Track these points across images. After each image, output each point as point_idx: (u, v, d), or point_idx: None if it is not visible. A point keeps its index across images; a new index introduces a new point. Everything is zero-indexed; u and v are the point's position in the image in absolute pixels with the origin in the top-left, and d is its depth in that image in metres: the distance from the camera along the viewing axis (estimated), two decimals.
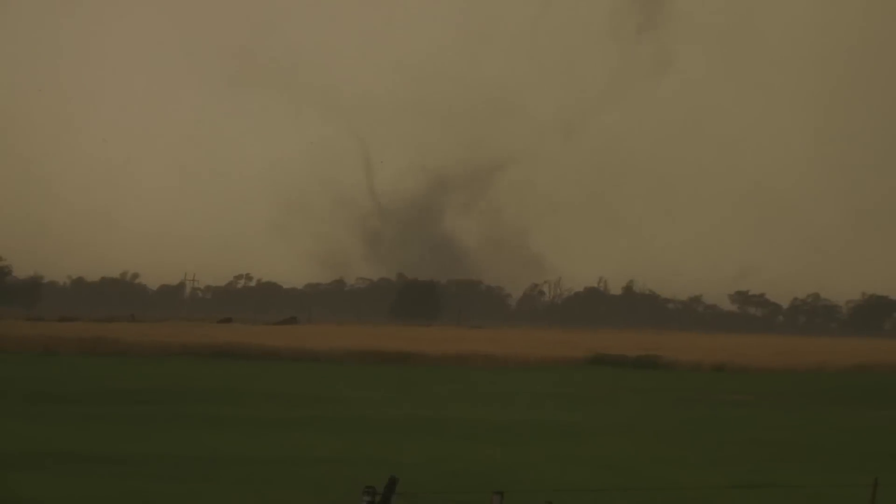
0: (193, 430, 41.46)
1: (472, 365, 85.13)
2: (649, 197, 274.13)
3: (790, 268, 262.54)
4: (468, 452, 36.92)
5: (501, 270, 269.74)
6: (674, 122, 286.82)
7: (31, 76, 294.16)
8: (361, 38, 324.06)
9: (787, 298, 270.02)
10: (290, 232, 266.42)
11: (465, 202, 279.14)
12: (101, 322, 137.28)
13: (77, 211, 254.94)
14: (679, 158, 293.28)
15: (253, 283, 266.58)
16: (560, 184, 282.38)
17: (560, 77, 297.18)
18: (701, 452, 39.78)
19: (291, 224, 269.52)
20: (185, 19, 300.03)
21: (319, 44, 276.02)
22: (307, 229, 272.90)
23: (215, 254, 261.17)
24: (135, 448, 35.61)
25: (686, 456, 38.44)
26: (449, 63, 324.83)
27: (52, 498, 26.21)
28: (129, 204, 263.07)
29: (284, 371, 73.95)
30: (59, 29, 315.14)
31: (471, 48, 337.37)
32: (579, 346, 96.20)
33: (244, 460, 33.82)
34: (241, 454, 35.06)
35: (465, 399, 58.88)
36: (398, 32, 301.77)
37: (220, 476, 30.60)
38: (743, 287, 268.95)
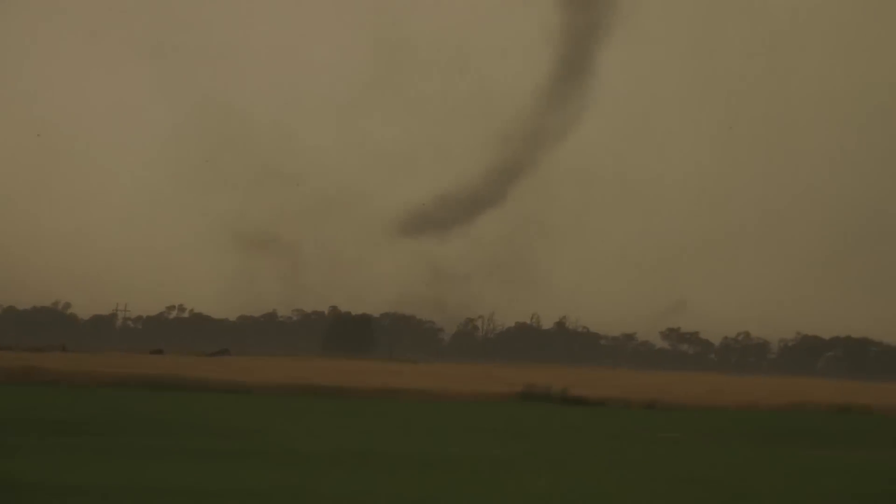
0: (122, 460, 40.98)
1: (404, 399, 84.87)
2: (583, 232, 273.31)
3: (723, 306, 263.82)
4: (393, 487, 36.62)
5: (435, 305, 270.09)
6: (603, 160, 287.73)
7: None
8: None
9: (718, 336, 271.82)
10: (223, 263, 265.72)
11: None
12: (32, 351, 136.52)
13: (7, 238, 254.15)
14: (609, 196, 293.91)
15: (185, 314, 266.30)
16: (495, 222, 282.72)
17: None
18: (631, 490, 39.57)
19: (225, 255, 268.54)
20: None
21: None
22: (241, 261, 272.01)
23: (148, 284, 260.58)
24: (61, 478, 35.13)
25: (616, 493, 38.26)
26: None
27: None
28: (62, 231, 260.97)
29: (216, 403, 73.48)
30: None
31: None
32: (511, 382, 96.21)
33: (172, 491, 33.41)
34: (169, 485, 34.65)
35: (394, 433, 58.55)
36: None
37: None
38: (675, 324, 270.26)
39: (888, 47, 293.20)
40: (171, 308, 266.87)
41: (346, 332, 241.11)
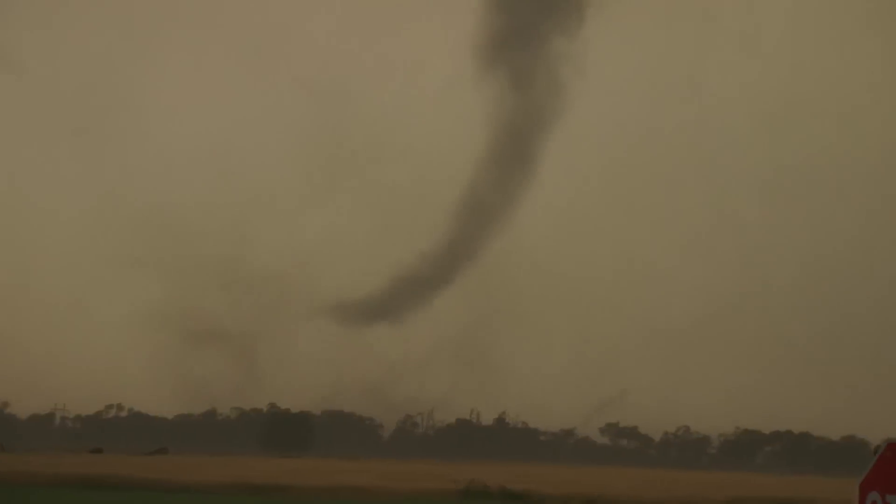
0: None
1: (343, 497, 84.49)
2: (521, 329, 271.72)
3: (663, 400, 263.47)
4: None
5: (375, 401, 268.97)
6: (544, 250, 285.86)
7: None
8: None
9: (658, 432, 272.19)
10: (161, 361, 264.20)
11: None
12: None
13: None
14: (552, 287, 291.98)
15: (124, 413, 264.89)
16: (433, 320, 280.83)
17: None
18: None
19: (163, 354, 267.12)
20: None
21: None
22: (179, 358, 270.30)
23: (86, 382, 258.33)
24: None
25: None
26: None
27: None
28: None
29: (153, 502, 73.16)
30: None
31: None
32: (450, 478, 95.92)
33: None
34: None
35: None
36: None
37: None
38: (614, 419, 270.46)
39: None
40: (109, 407, 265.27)
41: (285, 429, 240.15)
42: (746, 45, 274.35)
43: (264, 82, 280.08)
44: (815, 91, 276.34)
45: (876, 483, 10.74)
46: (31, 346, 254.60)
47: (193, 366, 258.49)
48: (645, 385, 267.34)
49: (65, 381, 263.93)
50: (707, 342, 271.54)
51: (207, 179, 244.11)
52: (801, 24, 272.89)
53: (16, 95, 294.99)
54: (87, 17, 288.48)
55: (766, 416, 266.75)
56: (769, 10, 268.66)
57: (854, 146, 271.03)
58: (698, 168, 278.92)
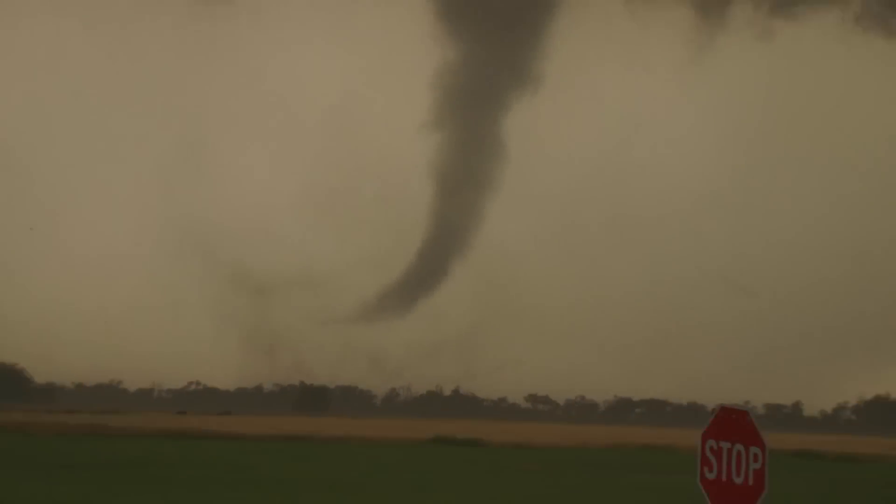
0: (147, 484, 40.65)
1: (351, 442, 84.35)
2: (475, 328, 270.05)
3: (564, 378, 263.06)
4: (342, 501, 36.46)
5: (370, 377, 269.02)
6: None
7: None
8: None
9: (562, 398, 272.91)
10: (225, 350, 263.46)
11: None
12: (95, 413, 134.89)
13: (77, 321, 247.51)
14: (500, 307, 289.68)
15: (201, 387, 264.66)
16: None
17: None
18: (506, 501, 39.61)
19: (227, 344, 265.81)
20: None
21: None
22: (237, 348, 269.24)
23: (175, 366, 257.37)
24: (118, 500, 34.78)
25: (492, 503, 38.35)
26: None
27: None
28: (107, 316, 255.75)
29: (219, 447, 72.77)
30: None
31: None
32: (423, 431, 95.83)
33: None
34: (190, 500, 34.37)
35: (346, 464, 58.25)
36: None
37: None
38: (534, 391, 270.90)
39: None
40: (190, 382, 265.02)
41: (310, 397, 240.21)
42: (669, 131, 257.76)
43: (279, 139, 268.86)
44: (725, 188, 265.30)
45: (711, 434, 10.83)
46: (136, 338, 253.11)
47: (247, 352, 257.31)
48: (554, 368, 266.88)
49: (160, 364, 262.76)
50: (594, 340, 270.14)
51: (247, 207, 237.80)
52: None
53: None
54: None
55: (635, 389, 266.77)
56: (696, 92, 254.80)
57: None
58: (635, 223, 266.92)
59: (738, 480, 10.64)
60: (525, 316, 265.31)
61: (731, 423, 10.65)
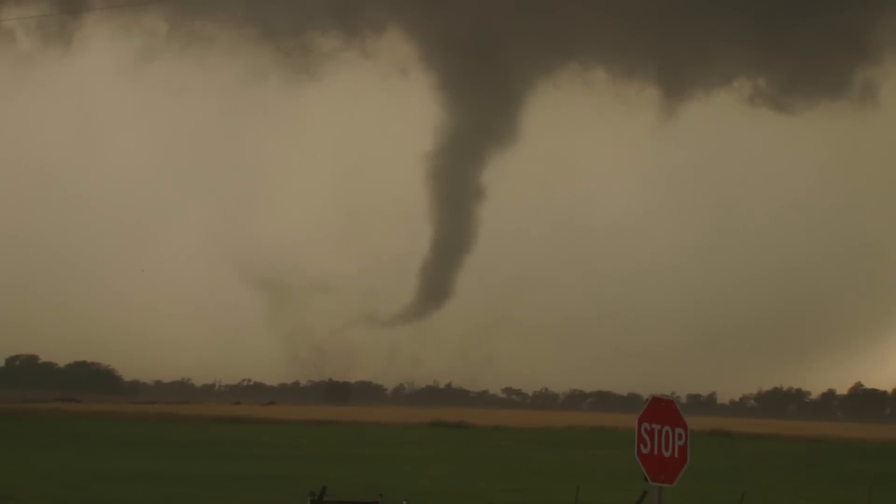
0: (210, 459, 40.54)
1: (368, 425, 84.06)
2: (460, 335, 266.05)
3: (534, 372, 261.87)
4: (361, 472, 36.35)
5: (383, 374, 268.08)
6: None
7: None
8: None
9: (531, 390, 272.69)
10: (272, 352, 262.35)
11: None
12: (169, 404, 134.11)
13: (155, 329, 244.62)
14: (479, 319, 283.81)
15: (252, 383, 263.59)
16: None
17: None
18: (487, 470, 39.49)
19: (274, 347, 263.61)
20: None
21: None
22: (279, 349, 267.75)
23: (232, 364, 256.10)
24: (195, 471, 34.65)
25: (479, 472, 38.20)
26: None
27: (147, 498, 25.31)
28: (182, 328, 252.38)
29: (266, 430, 72.54)
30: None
31: None
32: (423, 417, 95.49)
33: (234, 477, 33.02)
34: (231, 473, 34.23)
35: (363, 442, 58.09)
36: None
37: (226, 486, 29.92)
38: (509, 385, 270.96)
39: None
40: (244, 379, 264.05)
41: (337, 391, 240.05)
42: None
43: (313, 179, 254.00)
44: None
45: (646, 418, 10.87)
46: (201, 344, 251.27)
47: (287, 355, 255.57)
48: (523, 367, 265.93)
49: (219, 363, 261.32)
50: (554, 346, 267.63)
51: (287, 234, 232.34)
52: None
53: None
54: None
55: (587, 382, 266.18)
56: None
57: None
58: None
59: (667, 454, 10.69)
60: (500, 328, 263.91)
61: (661, 409, 10.70)
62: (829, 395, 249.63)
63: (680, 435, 10.62)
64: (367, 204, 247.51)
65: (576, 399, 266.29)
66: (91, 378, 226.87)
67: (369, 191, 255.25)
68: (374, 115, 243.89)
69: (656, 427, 10.53)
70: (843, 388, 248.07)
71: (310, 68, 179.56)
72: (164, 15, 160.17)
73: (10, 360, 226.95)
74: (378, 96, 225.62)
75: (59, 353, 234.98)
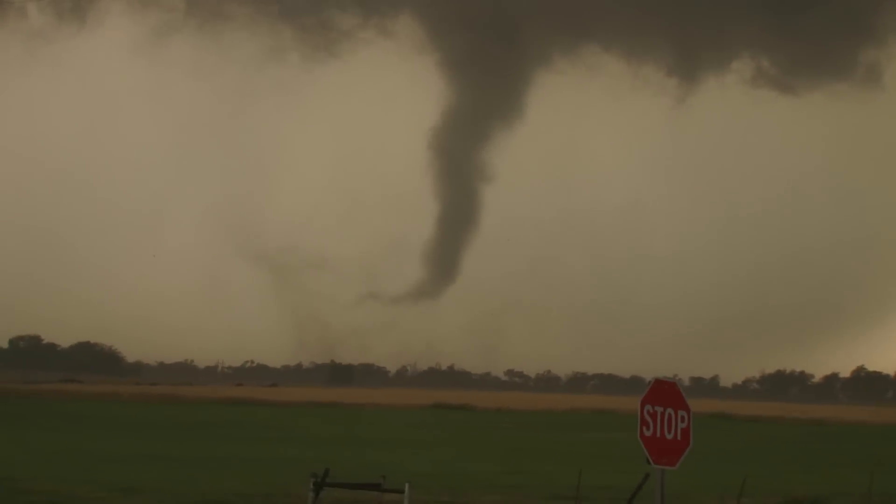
0: (212, 440, 40.60)
1: (370, 408, 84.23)
2: (459, 321, 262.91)
3: (538, 354, 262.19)
4: (364, 454, 36.35)
5: (385, 356, 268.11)
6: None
7: None
8: None
9: (534, 372, 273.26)
10: (274, 334, 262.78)
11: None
12: (172, 385, 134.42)
13: (159, 311, 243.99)
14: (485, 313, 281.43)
15: (255, 365, 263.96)
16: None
17: None
18: (489, 453, 39.29)
19: (277, 328, 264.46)
20: None
21: None
22: (286, 332, 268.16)
23: (235, 347, 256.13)
24: (196, 453, 34.66)
25: (481, 454, 38.15)
26: None
27: (148, 480, 25.28)
28: (186, 310, 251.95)
29: (269, 411, 72.68)
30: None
31: None
32: (426, 399, 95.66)
33: (236, 459, 33.02)
34: (234, 455, 34.23)
35: (366, 424, 58.17)
36: None
37: (232, 467, 29.93)
38: (511, 367, 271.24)
39: None
40: (246, 360, 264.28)
41: (340, 373, 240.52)
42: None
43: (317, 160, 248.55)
44: None
45: (648, 400, 10.81)
46: (204, 326, 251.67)
47: (290, 337, 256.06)
48: (526, 350, 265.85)
49: (222, 345, 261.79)
50: (556, 329, 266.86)
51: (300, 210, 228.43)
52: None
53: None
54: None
55: (590, 364, 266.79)
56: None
57: None
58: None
59: (670, 436, 10.63)
60: (504, 311, 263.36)
61: (664, 391, 10.64)
62: (832, 378, 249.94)
63: (683, 417, 10.58)
64: (373, 184, 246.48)
65: (579, 382, 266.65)
66: (94, 359, 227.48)
67: (374, 171, 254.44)
68: (387, 94, 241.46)
69: (659, 409, 10.47)
70: (845, 371, 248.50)
71: (328, 47, 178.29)
72: None
73: (14, 341, 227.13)
74: (394, 76, 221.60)
75: (62, 334, 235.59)
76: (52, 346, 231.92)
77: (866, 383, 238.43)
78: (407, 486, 14.22)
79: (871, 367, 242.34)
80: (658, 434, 10.44)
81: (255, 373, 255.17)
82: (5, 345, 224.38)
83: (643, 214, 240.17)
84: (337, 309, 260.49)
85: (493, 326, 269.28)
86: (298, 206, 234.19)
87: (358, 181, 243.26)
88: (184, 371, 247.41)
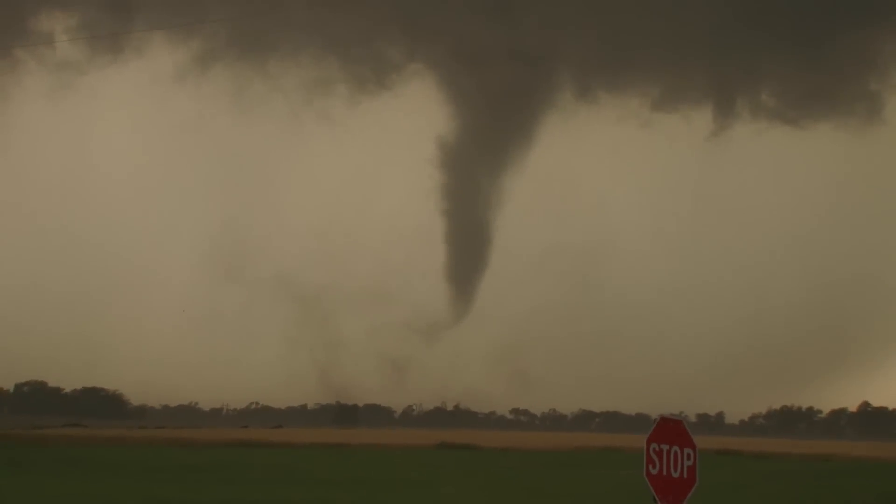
0: (218, 483, 40.37)
1: (376, 450, 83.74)
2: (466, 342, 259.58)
3: (539, 392, 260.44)
4: (369, 497, 36.16)
5: (390, 397, 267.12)
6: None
7: None
8: None
9: (539, 410, 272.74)
10: (279, 377, 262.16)
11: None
12: (176, 428, 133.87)
13: (163, 355, 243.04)
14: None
15: (259, 406, 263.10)
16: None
17: None
18: (495, 492, 39.28)
19: (283, 371, 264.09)
20: None
21: None
22: (290, 373, 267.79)
23: (239, 389, 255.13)
24: (201, 496, 34.45)
25: (487, 493, 38.02)
26: None
27: None
28: (190, 354, 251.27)
29: (274, 454, 72.26)
30: None
31: None
32: (431, 439, 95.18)
33: (242, 502, 32.85)
34: (240, 498, 33.99)
35: (371, 466, 57.79)
36: None
37: None
38: (516, 405, 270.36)
39: None
40: (251, 403, 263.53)
41: (345, 413, 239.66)
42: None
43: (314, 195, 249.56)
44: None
45: (654, 438, 10.79)
46: (208, 370, 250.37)
47: (295, 379, 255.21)
48: (531, 388, 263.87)
49: (227, 388, 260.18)
50: (562, 367, 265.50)
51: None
52: None
53: None
54: None
55: (595, 402, 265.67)
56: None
57: None
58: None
59: (676, 475, 10.60)
60: (509, 349, 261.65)
61: (670, 429, 10.61)
62: (839, 414, 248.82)
63: (689, 455, 10.54)
64: (378, 219, 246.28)
65: (584, 419, 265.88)
66: (99, 403, 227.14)
67: (378, 204, 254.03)
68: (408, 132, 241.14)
69: (665, 447, 10.44)
70: (853, 406, 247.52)
71: (373, 79, 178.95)
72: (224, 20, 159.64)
73: (19, 387, 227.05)
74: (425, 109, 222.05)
75: (66, 378, 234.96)
76: (56, 391, 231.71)
77: (873, 418, 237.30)
78: None
79: (875, 403, 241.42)
80: (664, 472, 10.41)
81: (260, 414, 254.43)
82: (10, 390, 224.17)
83: (647, 250, 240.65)
84: (342, 349, 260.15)
85: (499, 366, 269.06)
86: (305, 244, 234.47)
87: (359, 215, 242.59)
88: (189, 414, 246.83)
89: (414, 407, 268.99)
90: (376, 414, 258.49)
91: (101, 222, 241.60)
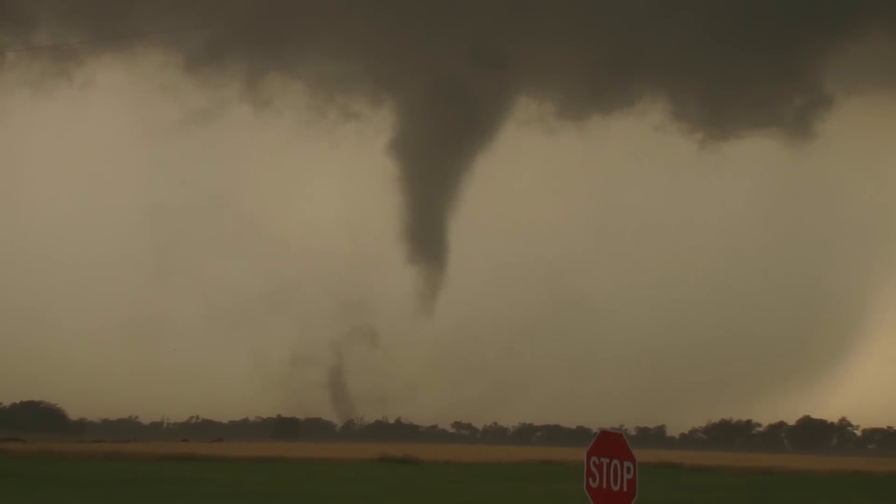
0: (157, 498, 39.81)
1: (316, 462, 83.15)
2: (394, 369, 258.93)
3: (481, 405, 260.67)
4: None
5: (332, 409, 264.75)
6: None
7: None
8: None
9: (481, 424, 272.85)
10: (220, 389, 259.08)
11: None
12: (116, 442, 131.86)
13: (102, 368, 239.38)
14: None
15: (200, 420, 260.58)
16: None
17: None
18: None
19: (221, 384, 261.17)
20: None
21: None
22: (229, 388, 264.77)
23: (179, 401, 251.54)
24: None
25: None
26: None
27: None
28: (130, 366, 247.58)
29: (214, 467, 71.45)
30: None
31: None
32: (373, 451, 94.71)
33: None
34: None
35: (313, 479, 57.36)
36: None
37: None
38: (458, 419, 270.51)
39: None
40: (192, 417, 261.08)
41: (286, 427, 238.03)
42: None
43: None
44: None
45: (594, 451, 10.80)
46: (148, 383, 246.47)
47: (236, 392, 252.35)
48: (472, 402, 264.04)
49: (168, 401, 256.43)
50: (502, 380, 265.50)
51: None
52: None
53: None
54: None
55: (536, 415, 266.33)
56: None
57: None
58: None
59: (616, 488, 10.61)
60: (449, 363, 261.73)
61: (610, 443, 10.63)
62: (778, 427, 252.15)
63: (629, 468, 10.55)
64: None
65: (525, 433, 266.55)
66: (38, 417, 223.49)
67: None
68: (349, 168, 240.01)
69: (605, 461, 10.45)
70: (791, 420, 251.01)
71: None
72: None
73: None
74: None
75: (3, 392, 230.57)
76: None
77: (811, 431, 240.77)
78: None
79: (815, 416, 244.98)
80: (604, 485, 10.41)
81: (201, 428, 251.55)
82: None
83: (580, 265, 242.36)
84: (283, 362, 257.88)
85: (440, 379, 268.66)
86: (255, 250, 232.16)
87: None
88: (128, 428, 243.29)
89: (355, 420, 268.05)
90: (318, 427, 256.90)
91: (37, 229, 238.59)
